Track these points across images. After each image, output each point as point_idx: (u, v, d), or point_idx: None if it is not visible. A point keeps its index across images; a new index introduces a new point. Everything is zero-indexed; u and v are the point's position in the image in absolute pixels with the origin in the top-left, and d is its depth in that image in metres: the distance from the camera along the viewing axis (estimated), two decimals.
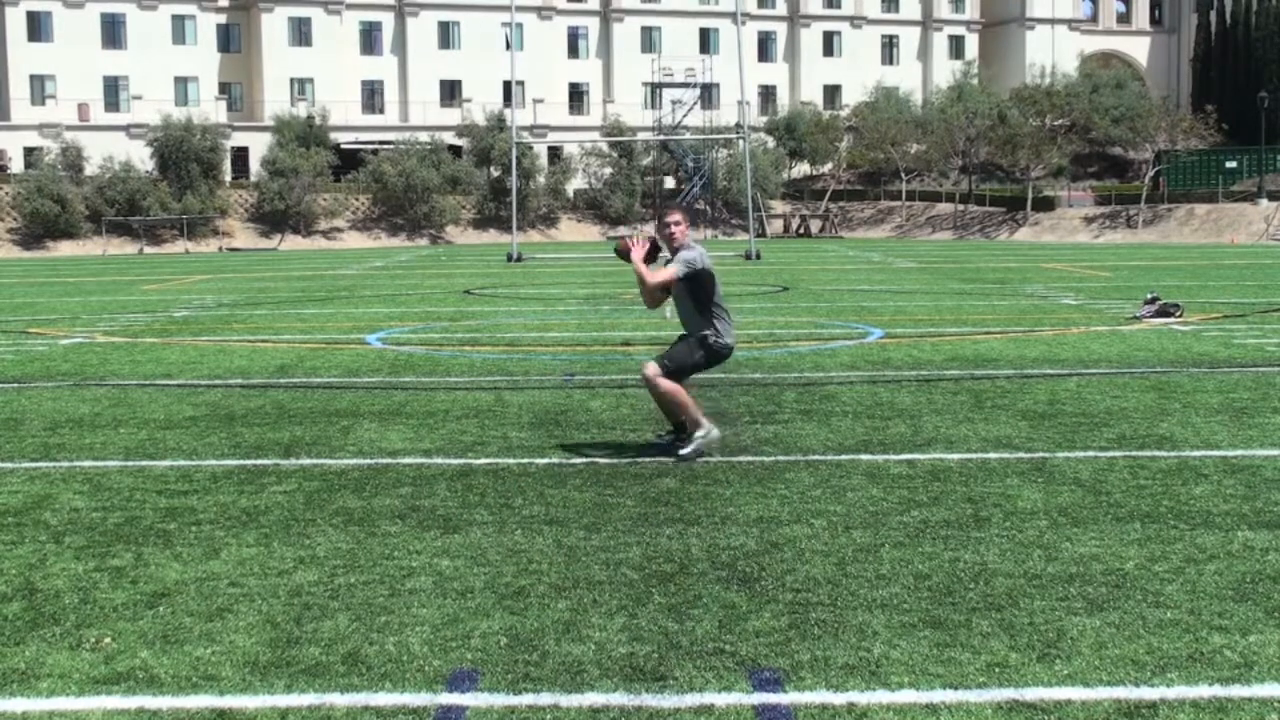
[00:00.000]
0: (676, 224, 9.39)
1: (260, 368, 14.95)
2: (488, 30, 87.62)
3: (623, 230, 79.64)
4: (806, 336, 18.14)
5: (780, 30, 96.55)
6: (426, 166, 76.09)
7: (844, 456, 9.18)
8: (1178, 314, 19.73)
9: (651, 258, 9.38)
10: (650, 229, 9.22)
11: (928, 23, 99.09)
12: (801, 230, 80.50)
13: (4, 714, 4.62)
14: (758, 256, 45.44)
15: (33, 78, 78.87)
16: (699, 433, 9.14)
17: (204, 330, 20.18)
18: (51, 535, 7.15)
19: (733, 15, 76.62)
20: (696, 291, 9.29)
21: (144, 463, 9.23)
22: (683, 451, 9.12)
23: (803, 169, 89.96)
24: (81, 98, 78.99)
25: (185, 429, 10.66)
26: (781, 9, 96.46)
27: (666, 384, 9.18)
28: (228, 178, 77.67)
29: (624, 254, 9.41)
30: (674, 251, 9.37)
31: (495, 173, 78.33)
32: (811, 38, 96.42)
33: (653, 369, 9.25)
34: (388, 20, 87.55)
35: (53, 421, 11.13)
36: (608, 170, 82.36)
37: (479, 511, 7.57)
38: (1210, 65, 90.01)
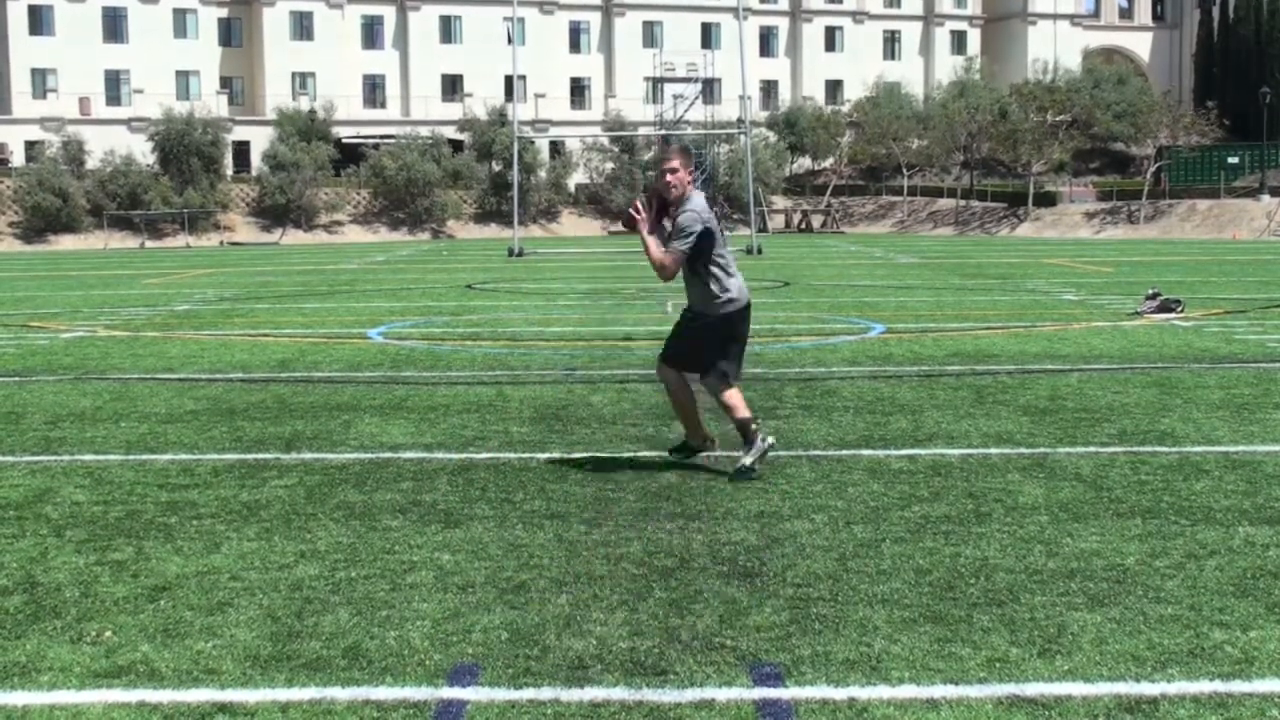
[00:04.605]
0: (673, 172, 8.11)
1: (261, 362, 14.95)
2: (489, 25, 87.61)
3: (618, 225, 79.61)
4: (808, 332, 18.13)
5: (782, 25, 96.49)
6: (427, 161, 76.08)
7: (845, 452, 9.17)
8: (1179, 310, 19.71)
9: (663, 214, 8.22)
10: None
11: (930, 18, 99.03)
12: (803, 225, 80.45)
13: (5, 707, 4.62)
14: (759, 251, 45.47)
15: (34, 71, 78.86)
16: (759, 440, 8.22)
17: (205, 324, 20.17)
18: (52, 529, 7.15)
19: (735, 10, 76.52)
20: (695, 257, 8.16)
21: (145, 457, 9.23)
22: (746, 461, 8.20)
23: (804, 164, 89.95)
24: (83, 91, 78.98)
25: (186, 423, 10.66)
26: (783, 4, 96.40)
27: (734, 396, 8.27)
28: (229, 172, 77.65)
29: (631, 224, 8.26)
30: (675, 205, 8.13)
31: (496, 167, 78.30)
32: (813, 33, 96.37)
33: (728, 393, 8.29)
34: (389, 14, 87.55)
35: (54, 415, 11.13)
36: (609, 165, 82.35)
37: (480, 506, 7.57)
38: (1212, 61, 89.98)
